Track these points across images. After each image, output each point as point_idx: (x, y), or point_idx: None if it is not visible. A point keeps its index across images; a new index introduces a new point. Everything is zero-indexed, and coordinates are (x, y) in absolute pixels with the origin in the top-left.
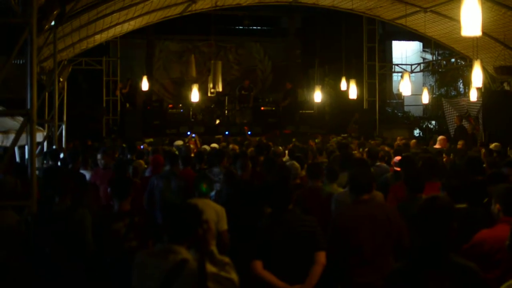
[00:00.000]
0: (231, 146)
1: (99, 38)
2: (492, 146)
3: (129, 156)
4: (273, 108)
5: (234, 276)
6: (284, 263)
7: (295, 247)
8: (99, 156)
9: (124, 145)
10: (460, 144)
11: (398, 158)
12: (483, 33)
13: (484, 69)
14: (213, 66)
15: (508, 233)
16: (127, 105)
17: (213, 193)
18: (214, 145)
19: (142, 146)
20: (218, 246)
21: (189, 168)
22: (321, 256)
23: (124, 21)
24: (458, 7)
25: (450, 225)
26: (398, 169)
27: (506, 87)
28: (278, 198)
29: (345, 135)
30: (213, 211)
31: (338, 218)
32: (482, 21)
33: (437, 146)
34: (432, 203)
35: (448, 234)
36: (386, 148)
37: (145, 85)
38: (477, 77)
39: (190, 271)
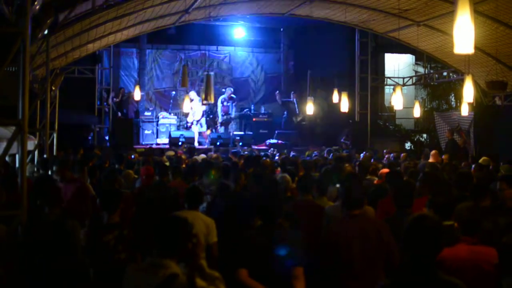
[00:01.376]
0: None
1: (91, 47)
2: (480, 160)
3: (117, 166)
4: (265, 119)
5: None
6: (268, 274)
7: (277, 261)
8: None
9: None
10: (445, 158)
11: (384, 170)
12: (476, 47)
13: (476, 83)
14: (206, 78)
15: (467, 253)
16: (119, 114)
17: (203, 205)
18: (203, 156)
19: (132, 156)
20: (207, 258)
21: (179, 179)
22: (298, 271)
23: (117, 31)
24: (451, 22)
25: (438, 243)
26: (378, 181)
27: (498, 102)
28: (266, 212)
29: (336, 147)
30: (203, 224)
31: (330, 232)
32: (475, 36)
33: (431, 160)
34: (420, 222)
35: (436, 252)
36: (379, 165)
37: (137, 94)
38: (469, 92)
39: (180, 286)
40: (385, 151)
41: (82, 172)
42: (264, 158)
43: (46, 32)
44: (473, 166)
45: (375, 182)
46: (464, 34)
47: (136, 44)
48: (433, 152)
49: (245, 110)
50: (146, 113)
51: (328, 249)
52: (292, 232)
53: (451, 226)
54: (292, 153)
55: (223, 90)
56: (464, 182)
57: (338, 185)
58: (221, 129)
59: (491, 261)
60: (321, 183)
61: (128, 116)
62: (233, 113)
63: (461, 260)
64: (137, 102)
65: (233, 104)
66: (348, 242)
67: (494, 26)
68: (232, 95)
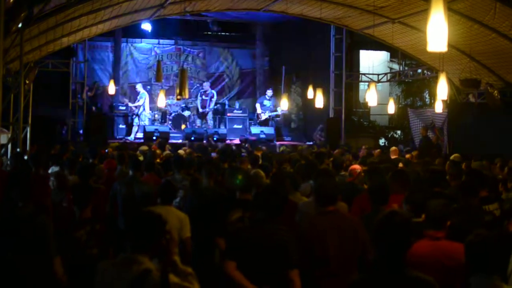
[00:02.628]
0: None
1: (66, 41)
2: (452, 157)
3: (91, 160)
4: (240, 115)
5: (196, 286)
6: (255, 269)
7: (267, 257)
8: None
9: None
10: (414, 154)
11: (354, 167)
12: (450, 45)
13: (450, 80)
14: (180, 73)
15: (428, 249)
16: (93, 108)
17: (176, 200)
18: (181, 151)
19: (106, 150)
20: (181, 254)
21: (152, 173)
22: (294, 274)
23: (92, 25)
24: (426, 19)
25: (408, 240)
26: (350, 179)
27: (471, 99)
28: (268, 206)
29: (311, 143)
30: (176, 219)
31: (304, 229)
32: (449, 34)
33: (392, 156)
34: (390, 218)
35: (406, 249)
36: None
37: (111, 88)
38: (443, 89)
39: (153, 282)
40: (364, 147)
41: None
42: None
43: (20, 25)
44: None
45: (347, 179)
46: (437, 32)
47: (111, 38)
48: (393, 148)
49: (217, 105)
50: (120, 108)
51: (302, 246)
52: (286, 230)
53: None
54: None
55: (198, 84)
56: (438, 179)
57: (311, 181)
58: (197, 122)
59: (454, 257)
60: (294, 179)
61: (102, 110)
62: (211, 107)
63: (422, 256)
64: (111, 96)
65: (211, 99)
66: (322, 239)
67: (468, 24)
68: (212, 90)
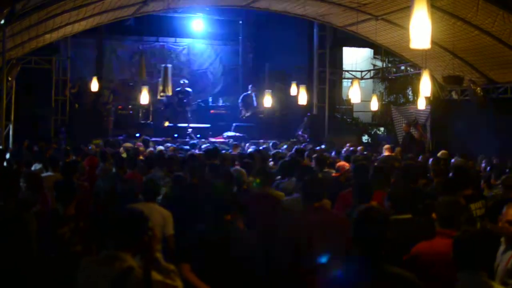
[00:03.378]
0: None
1: (49, 38)
2: (439, 154)
3: (74, 157)
4: (223, 112)
5: (179, 283)
6: (213, 272)
7: (225, 258)
8: None
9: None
10: (397, 151)
11: (343, 163)
12: (433, 42)
13: (433, 77)
14: (163, 70)
15: (445, 247)
16: (76, 105)
17: (159, 197)
18: (160, 147)
19: (90, 147)
20: (164, 251)
21: (135, 171)
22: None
23: (75, 21)
24: (409, 16)
25: (384, 236)
26: (336, 174)
27: (454, 96)
28: (217, 206)
29: (294, 140)
30: (160, 216)
31: (289, 226)
32: (432, 31)
33: (385, 154)
34: (367, 214)
35: (383, 245)
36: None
37: (94, 85)
38: (426, 86)
39: (136, 279)
40: (348, 144)
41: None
42: (224, 151)
43: (2, 22)
44: (430, 160)
45: (333, 175)
46: (420, 29)
47: (94, 35)
48: (386, 146)
49: (198, 101)
50: (103, 105)
51: (288, 243)
52: (250, 233)
53: (408, 220)
54: (252, 147)
55: (181, 82)
56: (418, 175)
57: (293, 179)
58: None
59: None
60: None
61: (85, 107)
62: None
63: (438, 254)
64: (94, 93)
65: (189, 97)
66: (309, 235)
67: (451, 21)
68: (187, 88)
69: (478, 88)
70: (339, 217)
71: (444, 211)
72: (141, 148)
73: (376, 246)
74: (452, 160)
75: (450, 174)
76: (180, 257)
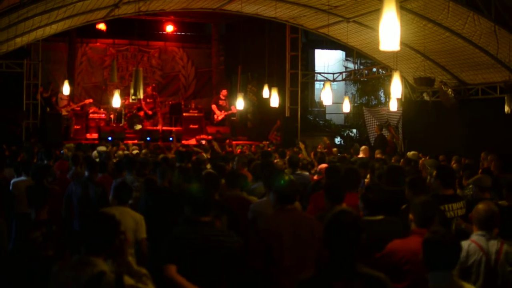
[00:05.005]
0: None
1: (20, 41)
2: (409, 154)
3: (46, 161)
4: (196, 115)
5: (151, 287)
6: (197, 273)
7: (208, 260)
8: None
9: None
10: (377, 153)
11: (321, 166)
12: (404, 44)
13: (405, 79)
14: (135, 73)
15: (419, 245)
16: (48, 109)
17: (130, 201)
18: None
19: (62, 151)
20: (136, 255)
21: (106, 174)
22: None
23: (46, 25)
24: (379, 18)
25: (358, 238)
26: (316, 177)
27: (426, 98)
28: (194, 207)
29: (267, 142)
30: (132, 219)
31: (261, 228)
32: (403, 33)
33: (361, 155)
34: (338, 217)
35: (356, 247)
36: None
37: (66, 89)
38: (397, 88)
39: (108, 284)
40: (320, 146)
41: None
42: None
43: None
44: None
45: (315, 178)
46: (390, 31)
47: (65, 38)
48: (363, 147)
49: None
50: (75, 109)
51: (260, 244)
52: (228, 232)
53: (379, 221)
54: None
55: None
56: (396, 176)
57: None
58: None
59: None
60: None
61: (57, 111)
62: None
63: (412, 252)
64: (59, 95)
65: (156, 100)
66: (280, 237)
67: (422, 23)
68: (154, 92)
69: (450, 90)
70: (310, 219)
71: (421, 211)
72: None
73: (348, 248)
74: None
75: (434, 173)
76: (164, 259)
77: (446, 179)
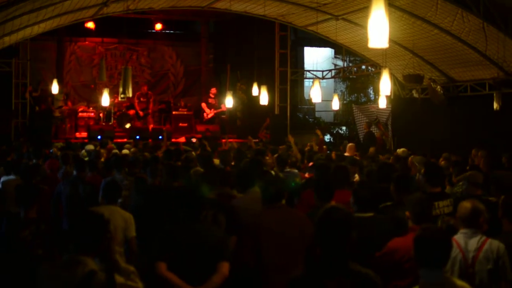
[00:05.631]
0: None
1: (8, 40)
2: (399, 151)
3: (34, 160)
4: (185, 113)
5: (140, 285)
6: (188, 270)
7: (199, 256)
8: None
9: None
10: (371, 151)
11: (309, 164)
12: (393, 41)
13: (394, 76)
14: (123, 72)
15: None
16: (37, 108)
17: (120, 200)
18: (125, 150)
19: (51, 150)
20: (126, 253)
21: (95, 173)
22: (224, 267)
23: (34, 23)
24: (368, 16)
25: (348, 235)
26: (307, 175)
27: (415, 95)
28: (188, 206)
29: (256, 140)
30: (121, 218)
31: (248, 226)
32: (392, 30)
33: (346, 153)
34: (329, 214)
35: (346, 244)
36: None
37: (55, 88)
38: (386, 85)
39: (99, 283)
40: (309, 143)
41: None
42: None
43: None
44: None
45: (306, 175)
46: (378, 29)
47: (54, 37)
48: (349, 145)
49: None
50: (64, 107)
51: (247, 242)
52: (217, 228)
53: (369, 218)
54: None
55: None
56: (386, 173)
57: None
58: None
59: None
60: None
61: (46, 110)
62: (150, 108)
63: (411, 249)
64: (55, 95)
65: (150, 99)
66: (268, 234)
67: (411, 20)
68: (149, 91)
69: (438, 87)
70: (298, 215)
71: (417, 208)
72: (102, 150)
73: (339, 245)
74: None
75: (422, 171)
76: (155, 256)
77: (433, 177)
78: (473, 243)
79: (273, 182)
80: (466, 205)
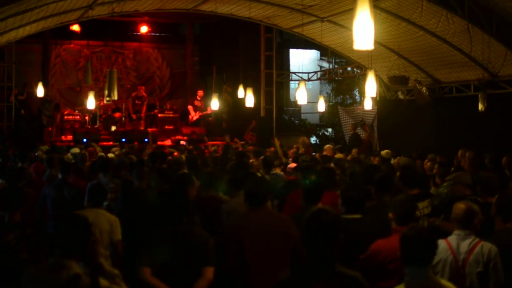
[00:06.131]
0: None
1: None
2: (383, 153)
3: (20, 164)
4: (171, 115)
5: (124, 287)
6: (173, 274)
7: (184, 260)
8: None
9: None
10: (354, 152)
11: (292, 165)
12: (378, 43)
13: (379, 78)
14: (109, 74)
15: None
16: (22, 111)
17: (106, 203)
18: (110, 154)
19: (36, 154)
20: (112, 256)
21: (76, 176)
22: (209, 272)
23: (19, 26)
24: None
25: (336, 238)
26: (292, 177)
27: (400, 96)
28: (172, 209)
29: (242, 142)
30: (107, 221)
31: (232, 228)
32: (377, 32)
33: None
34: (317, 216)
35: (334, 246)
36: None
37: (40, 91)
38: (371, 86)
39: (84, 286)
40: (295, 146)
41: None
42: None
43: None
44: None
45: (290, 177)
46: (363, 31)
47: (39, 39)
48: (326, 146)
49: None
50: (50, 110)
51: (231, 246)
52: (202, 231)
53: (357, 220)
54: None
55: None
56: (372, 175)
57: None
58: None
59: None
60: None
61: (32, 113)
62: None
63: (395, 251)
64: (40, 99)
65: (144, 102)
66: (252, 237)
67: (396, 22)
68: (144, 94)
69: (424, 88)
70: (282, 218)
71: (400, 209)
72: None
73: (327, 247)
74: None
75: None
76: (140, 261)
77: (408, 179)
78: (465, 245)
79: (259, 185)
80: (460, 206)
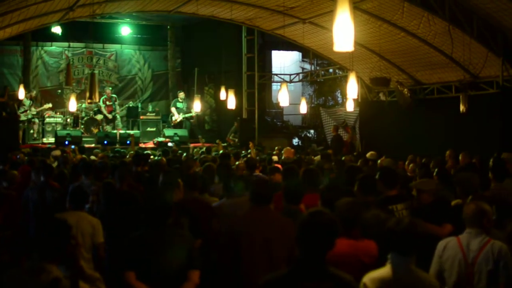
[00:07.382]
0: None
1: None
2: (368, 155)
3: (1, 167)
4: (153, 117)
5: None
6: (158, 278)
7: (169, 263)
8: None
9: None
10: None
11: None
12: (360, 44)
13: (361, 79)
14: (90, 77)
15: (345, 247)
16: (3, 113)
17: (87, 205)
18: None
19: (18, 156)
20: (94, 259)
21: (52, 180)
22: (194, 275)
23: (0, 28)
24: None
25: (331, 239)
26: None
27: (382, 97)
28: (154, 212)
29: (225, 144)
30: (89, 224)
31: (230, 229)
32: (358, 33)
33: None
34: (315, 217)
35: (328, 248)
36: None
37: (21, 93)
38: (353, 88)
39: None
40: (277, 147)
41: None
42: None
43: None
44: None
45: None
46: (343, 32)
47: (20, 41)
48: (286, 148)
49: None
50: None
51: (230, 245)
52: (186, 233)
53: None
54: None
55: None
56: (354, 177)
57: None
58: (108, 128)
59: (370, 254)
60: (204, 180)
61: (12, 115)
62: (118, 111)
63: (342, 255)
64: (21, 101)
65: (115, 102)
66: (251, 238)
67: (377, 23)
68: (112, 95)
69: (405, 89)
70: (281, 218)
71: (345, 212)
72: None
73: (321, 249)
74: None
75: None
76: (124, 265)
77: (387, 180)
78: (475, 243)
79: (265, 184)
80: (470, 205)
